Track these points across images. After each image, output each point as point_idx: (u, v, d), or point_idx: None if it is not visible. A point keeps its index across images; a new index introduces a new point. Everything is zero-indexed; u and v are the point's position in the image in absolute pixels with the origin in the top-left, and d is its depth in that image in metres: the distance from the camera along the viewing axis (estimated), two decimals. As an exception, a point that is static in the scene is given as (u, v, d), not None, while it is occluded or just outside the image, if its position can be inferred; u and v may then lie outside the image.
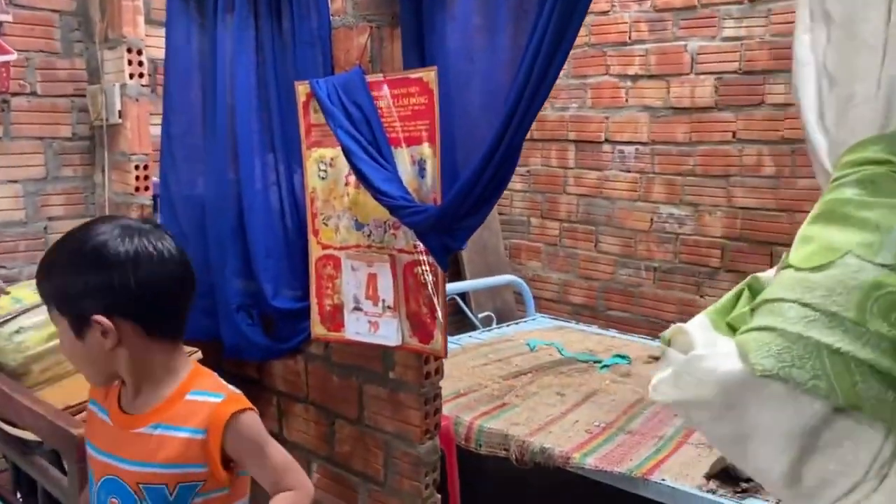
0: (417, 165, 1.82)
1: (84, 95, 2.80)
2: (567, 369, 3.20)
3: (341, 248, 2.01)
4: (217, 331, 2.30)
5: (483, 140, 1.61)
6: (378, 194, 1.82)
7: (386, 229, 1.91)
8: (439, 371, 2.01)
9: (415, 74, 1.78)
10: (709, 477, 2.18)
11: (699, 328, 0.67)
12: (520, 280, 4.13)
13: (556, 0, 1.44)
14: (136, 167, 2.71)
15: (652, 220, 3.87)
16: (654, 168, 3.83)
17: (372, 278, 1.96)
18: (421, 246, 1.84)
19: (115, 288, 1.13)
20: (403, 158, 1.84)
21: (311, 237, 2.07)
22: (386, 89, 1.84)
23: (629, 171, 3.91)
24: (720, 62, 3.55)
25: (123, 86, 2.65)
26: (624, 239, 3.97)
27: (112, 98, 2.66)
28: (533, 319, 4.05)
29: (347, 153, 1.87)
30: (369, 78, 1.87)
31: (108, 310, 1.15)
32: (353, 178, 1.95)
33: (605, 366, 3.24)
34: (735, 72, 3.51)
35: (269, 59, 2.08)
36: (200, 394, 1.21)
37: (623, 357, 3.35)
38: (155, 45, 2.86)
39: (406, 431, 2.00)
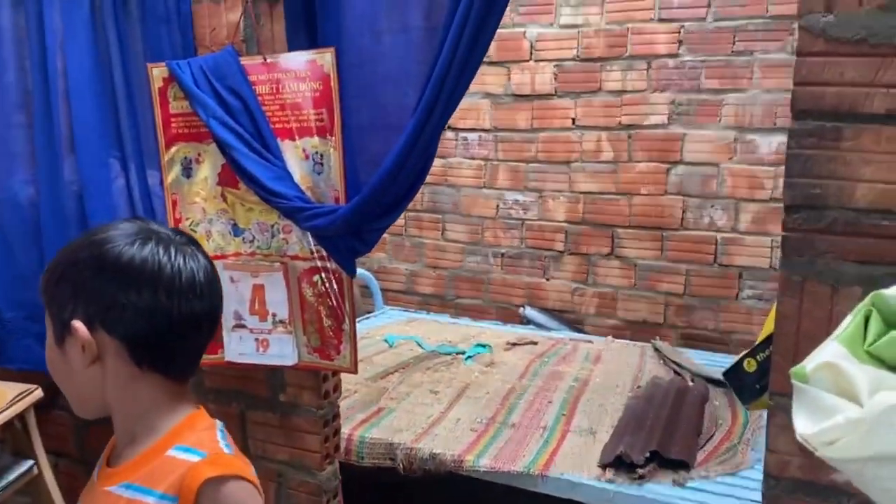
0: (311, 160, 1.61)
1: None
2: (433, 364, 3.10)
3: (216, 258, 1.73)
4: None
5: (398, 129, 1.45)
6: (269, 195, 1.59)
7: (274, 234, 1.68)
8: (338, 388, 1.82)
9: (306, 56, 1.56)
10: (603, 466, 2.19)
11: (846, 360, 0.57)
12: (367, 273, 3.96)
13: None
14: (-81, 166, 2.20)
15: (498, 206, 3.87)
16: (497, 155, 3.82)
17: (258, 290, 1.71)
18: (321, 251, 1.63)
19: (106, 296, 0.89)
20: (294, 152, 1.62)
21: (174, 246, 1.78)
22: (269, 74, 1.60)
23: (473, 159, 3.88)
24: (559, 49, 3.60)
25: None
26: (471, 226, 3.94)
27: None
28: (382, 313, 3.91)
29: (225, 147, 1.61)
30: (245, 60, 1.62)
31: (91, 319, 0.90)
32: (227, 177, 1.69)
33: (469, 357, 3.19)
34: (573, 59, 3.58)
35: (113, 38, 1.74)
36: (184, 450, 0.93)
37: (484, 346, 3.31)
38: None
39: (302, 458, 1.80)
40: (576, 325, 3.80)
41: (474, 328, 3.66)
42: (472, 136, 3.85)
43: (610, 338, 3.51)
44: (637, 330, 3.65)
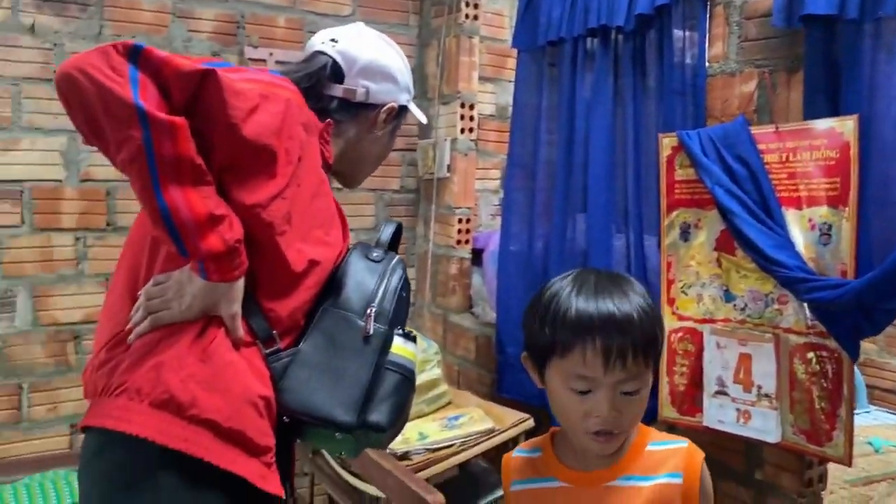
0: (818, 230, 1.54)
1: (414, 150, 2.88)
2: (931, 482, 2.62)
3: (704, 321, 1.76)
4: (545, 396, 2.15)
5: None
6: (768, 263, 1.56)
7: (767, 303, 1.64)
8: (824, 479, 1.67)
9: (823, 125, 1.51)
10: None
11: None
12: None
13: None
14: (459, 220, 2.70)
15: None
16: None
17: (744, 359, 1.68)
18: (818, 327, 1.54)
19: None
20: (799, 222, 1.57)
21: (663, 306, 1.85)
22: (780, 142, 1.59)
23: None
24: None
25: (454, 140, 2.68)
26: None
27: (442, 152, 2.70)
28: (867, 412, 3.44)
29: (727, 214, 1.64)
30: (755, 129, 1.63)
31: None
32: (724, 242, 1.71)
33: (984, 483, 2.61)
34: None
35: (630, 112, 1.93)
36: (660, 444, 1.12)
37: None
38: (481, 100, 2.88)
39: (776, 545, 1.68)
40: None
41: None
42: None
43: None
44: None
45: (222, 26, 2.49)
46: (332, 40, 1.32)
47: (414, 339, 1.23)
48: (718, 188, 1.65)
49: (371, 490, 1.84)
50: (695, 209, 1.77)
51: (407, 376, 1.19)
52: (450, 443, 1.99)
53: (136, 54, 0.93)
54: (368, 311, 1.16)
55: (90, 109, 0.93)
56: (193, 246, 0.98)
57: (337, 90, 1.30)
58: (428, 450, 1.96)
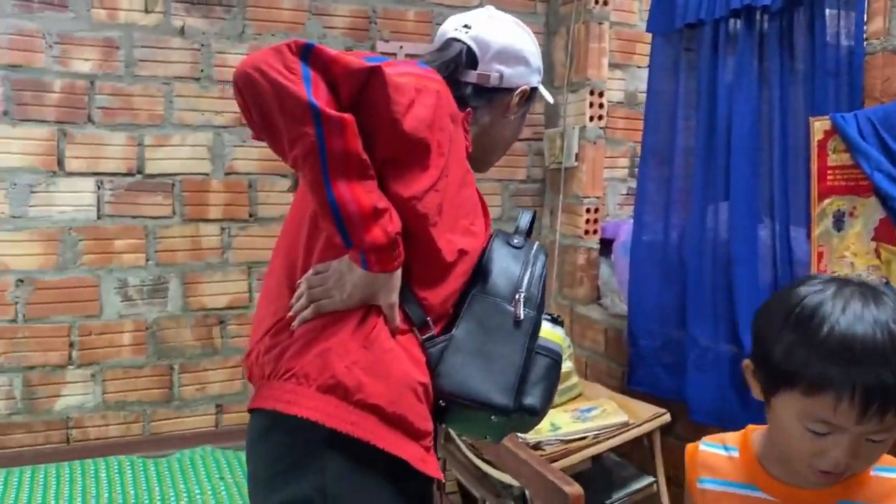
0: None
1: (540, 139, 2.86)
2: None
3: (859, 316, 1.66)
4: (681, 390, 2.10)
5: None
6: (937, 254, 1.46)
7: (934, 298, 1.53)
8: None
9: None
10: None
11: None
12: None
13: None
14: (587, 210, 2.67)
15: None
16: None
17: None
18: None
19: None
20: (974, 210, 1.45)
21: (813, 298, 1.76)
22: (952, 124, 1.48)
23: None
24: None
25: (583, 128, 2.64)
26: None
27: (570, 141, 2.67)
28: None
29: (888, 201, 1.54)
30: (922, 109, 1.53)
31: None
32: (884, 232, 1.61)
33: None
34: None
35: (776, 95, 1.84)
36: (886, 470, 0.98)
37: None
38: (609, 87, 2.82)
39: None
40: None
41: None
42: None
43: None
44: None
45: (355, 22, 2.56)
46: (465, 26, 1.32)
47: (561, 324, 1.24)
48: (878, 173, 1.56)
49: (504, 478, 1.85)
50: (850, 196, 1.67)
51: (556, 360, 1.19)
52: (583, 435, 1.98)
53: (307, 53, 0.97)
54: (517, 296, 1.17)
55: (265, 107, 0.98)
56: (359, 238, 1.02)
57: (471, 76, 1.29)
58: (560, 441, 1.96)
